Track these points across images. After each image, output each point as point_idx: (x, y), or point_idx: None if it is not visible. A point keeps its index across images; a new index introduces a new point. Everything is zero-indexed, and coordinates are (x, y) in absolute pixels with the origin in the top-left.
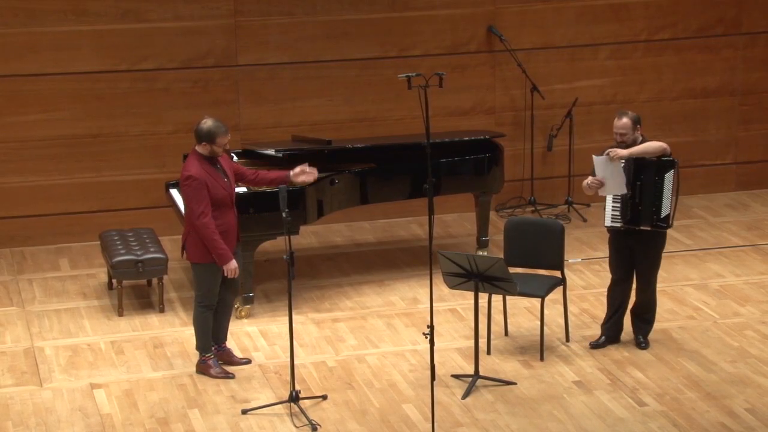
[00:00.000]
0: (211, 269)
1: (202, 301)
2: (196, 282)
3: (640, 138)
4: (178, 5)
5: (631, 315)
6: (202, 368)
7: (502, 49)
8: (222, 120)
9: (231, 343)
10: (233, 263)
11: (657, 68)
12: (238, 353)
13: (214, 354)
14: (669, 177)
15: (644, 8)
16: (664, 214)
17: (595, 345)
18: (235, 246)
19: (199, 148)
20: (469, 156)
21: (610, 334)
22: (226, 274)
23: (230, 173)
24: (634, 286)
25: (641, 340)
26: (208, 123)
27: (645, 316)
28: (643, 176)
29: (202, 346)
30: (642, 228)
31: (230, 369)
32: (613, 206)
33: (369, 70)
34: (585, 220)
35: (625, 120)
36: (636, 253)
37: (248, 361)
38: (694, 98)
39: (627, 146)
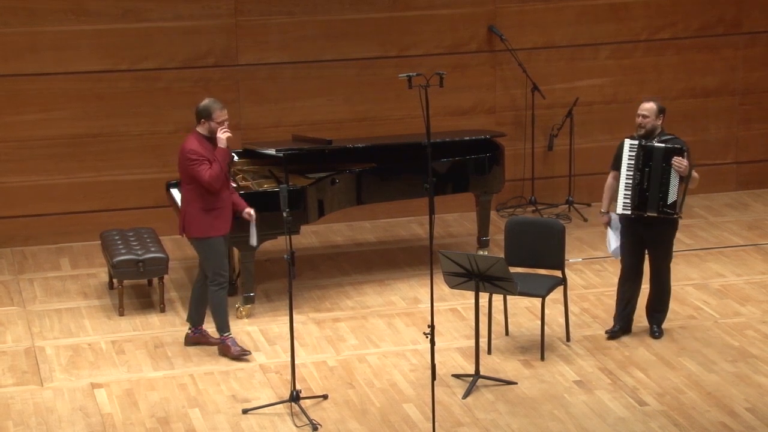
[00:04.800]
0: (214, 242)
1: (214, 279)
2: (203, 260)
3: (660, 128)
4: (179, 5)
5: (645, 310)
6: (223, 349)
7: (502, 48)
8: None
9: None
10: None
11: (657, 68)
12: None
13: (191, 333)
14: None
15: (644, 8)
16: (670, 200)
17: (612, 334)
18: (230, 227)
19: (199, 128)
20: (469, 156)
21: (624, 324)
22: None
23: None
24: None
25: (655, 330)
26: (204, 101)
27: (658, 307)
28: (652, 162)
29: (219, 326)
30: (649, 214)
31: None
32: (624, 194)
33: (369, 69)
34: (586, 220)
35: (650, 104)
36: (647, 242)
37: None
38: (695, 98)
39: (646, 131)
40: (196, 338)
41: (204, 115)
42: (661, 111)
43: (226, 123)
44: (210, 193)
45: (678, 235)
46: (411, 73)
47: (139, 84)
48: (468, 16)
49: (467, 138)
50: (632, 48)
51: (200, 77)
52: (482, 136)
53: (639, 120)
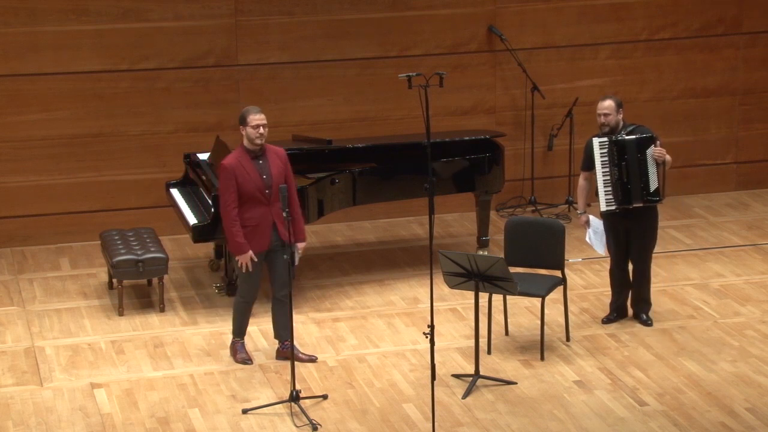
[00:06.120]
0: None
1: (240, 291)
2: (237, 272)
3: (622, 122)
4: (179, 5)
5: (631, 302)
6: (231, 350)
7: (502, 48)
8: (222, 119)
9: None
10: (245, 256)
11: (657, 68)
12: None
13: (281, 348)
14: (650, 152)
15: (645, 8)
16: (653, 188)
17: (608, 321)
18: (270, 242)
19: (244, 140)
20: (469, 155)
21: (620, 311)
22: (238, 264)
23: (276, 173)
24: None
25: (644, 318)
26: (243, 109)
27: (646, 297)
28: (627, 156)
29: (233, 331)
30: (635, 205)
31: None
32: (605, 191)
33: (369, 69)
34: None
35: (608, 102)
36: (631, 232)
37: (313, 359)
38: (695, 98)
39: (610, 128)
40: (285, 353)
41: (241, 122)
42: (619, 105)
43: (262, 128)
44: (243, 209)
45: (678, 235)
46: (411, 73)
47: (139, 84)
48: (468, 16)
49: (467, 138)
50: (632, 48)
51: (200, 77)
52: (482, 136)
53: (601, 120)
